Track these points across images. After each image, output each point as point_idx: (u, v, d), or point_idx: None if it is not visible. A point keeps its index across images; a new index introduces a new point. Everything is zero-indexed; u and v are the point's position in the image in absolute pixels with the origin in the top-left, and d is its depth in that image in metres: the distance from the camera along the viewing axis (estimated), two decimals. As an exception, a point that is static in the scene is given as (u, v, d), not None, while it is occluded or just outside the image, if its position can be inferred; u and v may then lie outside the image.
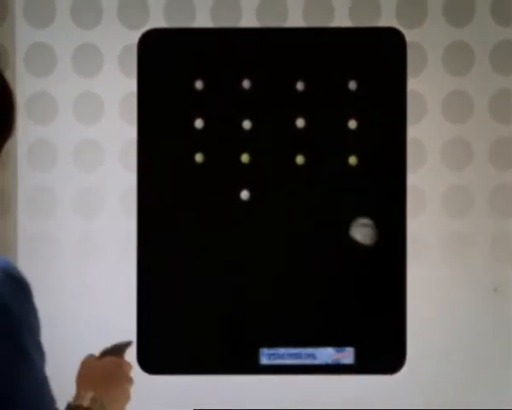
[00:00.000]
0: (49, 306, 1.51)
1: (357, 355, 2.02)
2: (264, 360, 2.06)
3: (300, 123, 1.98)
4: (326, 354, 2.01)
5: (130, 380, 1.61)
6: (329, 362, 2.01)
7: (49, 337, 1.20)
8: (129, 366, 1.61)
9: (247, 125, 1.98)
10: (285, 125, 1.99)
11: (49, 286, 2.00)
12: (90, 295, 2.00)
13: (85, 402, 1.49)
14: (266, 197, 2.01)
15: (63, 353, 1.78)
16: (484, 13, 1.94)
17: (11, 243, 2.04)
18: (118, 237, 2.03)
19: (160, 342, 2.03)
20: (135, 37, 1.95)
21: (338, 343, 2.00)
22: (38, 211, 2.03)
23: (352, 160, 2.00)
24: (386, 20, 1.96)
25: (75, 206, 2.02)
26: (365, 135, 2.01)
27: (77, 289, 2.00)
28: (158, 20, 1.95)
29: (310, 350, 2.03)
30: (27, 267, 1.19)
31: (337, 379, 2.01)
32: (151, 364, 1.99)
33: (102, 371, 1.58)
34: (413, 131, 1.94)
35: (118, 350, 1.59)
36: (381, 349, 1.99)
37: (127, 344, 1.58)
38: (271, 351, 2.06)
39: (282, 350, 2.02)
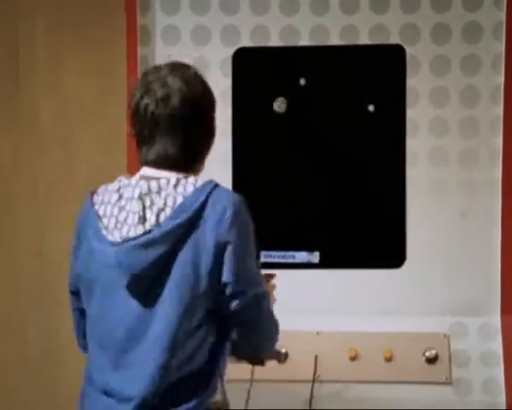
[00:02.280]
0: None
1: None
2: (262, 259, 2.44)
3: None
4: (302, 256, 2.93)
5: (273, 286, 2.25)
6: (304, 261, 2.92)
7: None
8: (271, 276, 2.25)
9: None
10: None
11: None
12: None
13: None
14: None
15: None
16: (458, 34, 2.87)
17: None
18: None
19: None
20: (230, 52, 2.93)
21: (309, 248, 2.92)
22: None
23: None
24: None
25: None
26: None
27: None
28: (246, 41, 2.92)
29: (291, 253, 2.94)
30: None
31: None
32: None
33: None
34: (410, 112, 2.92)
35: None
36: (386, 249, 2.95)
37: None
38: (266, 253, 2.80)
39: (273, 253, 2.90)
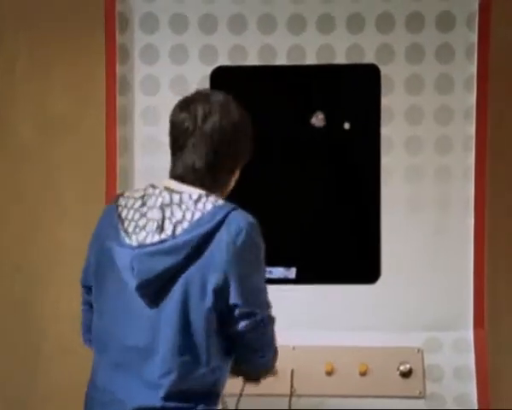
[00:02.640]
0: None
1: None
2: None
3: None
4: (279, 271, 2.95)
5: None
6: (281, 277, 2.95)
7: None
8: None
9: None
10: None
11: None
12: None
13: None
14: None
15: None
16: (431, 54, 2.90)
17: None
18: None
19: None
20: (209, 70, 2.95)
21: (286, 264, 2.95)
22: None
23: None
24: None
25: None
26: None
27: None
28: (224, 60, 2.95)
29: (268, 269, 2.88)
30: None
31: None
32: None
33: None
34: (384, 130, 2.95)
35: None
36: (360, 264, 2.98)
37: None
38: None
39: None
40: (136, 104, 2.97)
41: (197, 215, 2.05)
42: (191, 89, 2.86)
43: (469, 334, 2.92)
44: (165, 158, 2.29)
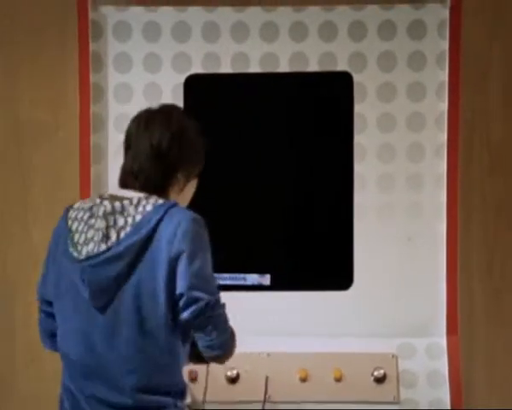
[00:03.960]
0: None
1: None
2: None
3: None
4: (253, 278, 2.98)
5: None
6: (255, 283, 2.97)
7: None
8: None
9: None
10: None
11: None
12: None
13: None
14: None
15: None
16: (403, 62, 2.97)
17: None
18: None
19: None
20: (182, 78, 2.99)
21: (260, 271, 2.98)
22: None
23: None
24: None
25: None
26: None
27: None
28: (197, 68, 2.99)
29: (242, 275, 2.99)
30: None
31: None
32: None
33: None
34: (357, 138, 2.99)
35: None
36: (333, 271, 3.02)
37: None
38: (218, 275, 2.57)
39: (224, 275, 2.92)
40: (109, 112, 3.01)
41: (138, 218, 2.14)
42: (165, 97, 2.98)
43: (443, 340, 2.96)
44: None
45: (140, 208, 2.15)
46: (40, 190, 3.39)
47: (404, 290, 2.99)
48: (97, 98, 2.99)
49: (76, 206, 2.28)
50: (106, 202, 2.17)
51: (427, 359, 2.97)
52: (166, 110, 2.34)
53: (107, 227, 2.15)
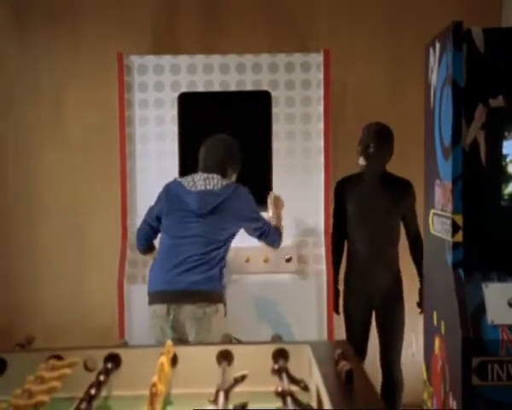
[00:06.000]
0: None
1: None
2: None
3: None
4: None
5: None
6: None
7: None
8: None
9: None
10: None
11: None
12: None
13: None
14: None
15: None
16: (299, 86, 4.72)
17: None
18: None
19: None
20: (176, 95, 4.62)
21: None
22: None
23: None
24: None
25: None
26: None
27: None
28: (184, 89, 4.64)
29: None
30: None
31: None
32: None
33: None
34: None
35: None
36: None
37: None
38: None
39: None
40: (136, 114, 4.65)
41: (219, 184, 3.82)
42: (166, 107, 4.64)
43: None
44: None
45: (220, 181, 3.81)
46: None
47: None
48: (128, 106, 4.66)
49: (181, 179, 3.90)
50: (203, 175, 3.82)
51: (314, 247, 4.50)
52: (224, 137, 3.89)
53: (205, 183, 3.80)
